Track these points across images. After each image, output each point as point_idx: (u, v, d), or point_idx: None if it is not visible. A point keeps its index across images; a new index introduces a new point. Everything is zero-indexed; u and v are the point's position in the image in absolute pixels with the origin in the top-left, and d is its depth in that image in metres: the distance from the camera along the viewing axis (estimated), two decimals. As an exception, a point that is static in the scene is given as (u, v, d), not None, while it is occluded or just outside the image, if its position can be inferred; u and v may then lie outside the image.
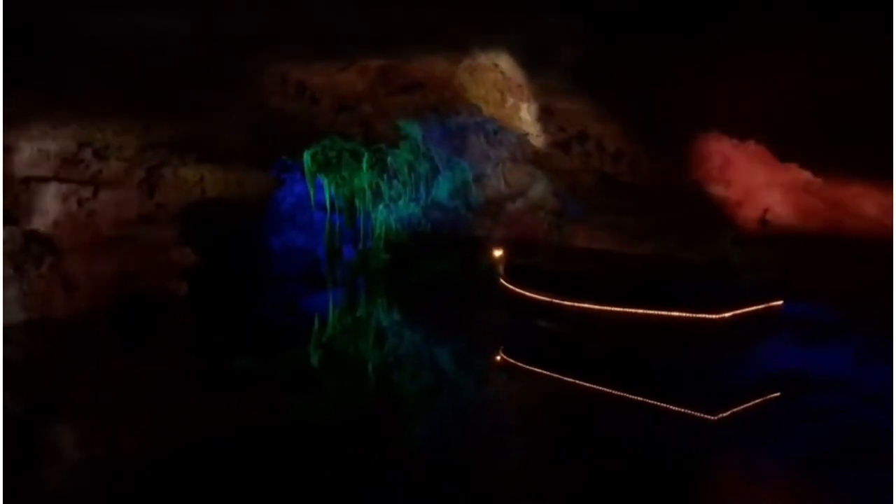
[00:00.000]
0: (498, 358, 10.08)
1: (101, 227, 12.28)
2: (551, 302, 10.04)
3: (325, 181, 17.40)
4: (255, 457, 6.43)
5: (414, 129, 15.20)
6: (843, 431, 6.77)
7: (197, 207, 13.70)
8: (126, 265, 12.53)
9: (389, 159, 16.72)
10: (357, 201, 17.61)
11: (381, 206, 17.15)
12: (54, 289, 11.58)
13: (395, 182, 17.09)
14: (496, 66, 11.98)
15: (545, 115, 12.53)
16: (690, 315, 8.49)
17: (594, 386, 8.37)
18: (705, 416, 7.33)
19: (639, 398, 7.82)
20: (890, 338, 8.25)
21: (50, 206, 11.62)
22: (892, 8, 7.92)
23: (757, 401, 7.70)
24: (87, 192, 12.03)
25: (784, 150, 9.98)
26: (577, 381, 8.59)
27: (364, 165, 16.93)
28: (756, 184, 10.73)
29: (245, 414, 7.69)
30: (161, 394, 8.69)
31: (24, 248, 11.28)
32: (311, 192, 17.52)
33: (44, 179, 11.54)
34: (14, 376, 9.35)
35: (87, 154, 11.84)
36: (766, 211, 10.85)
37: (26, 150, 11.21)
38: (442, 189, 16.42)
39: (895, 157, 9.02)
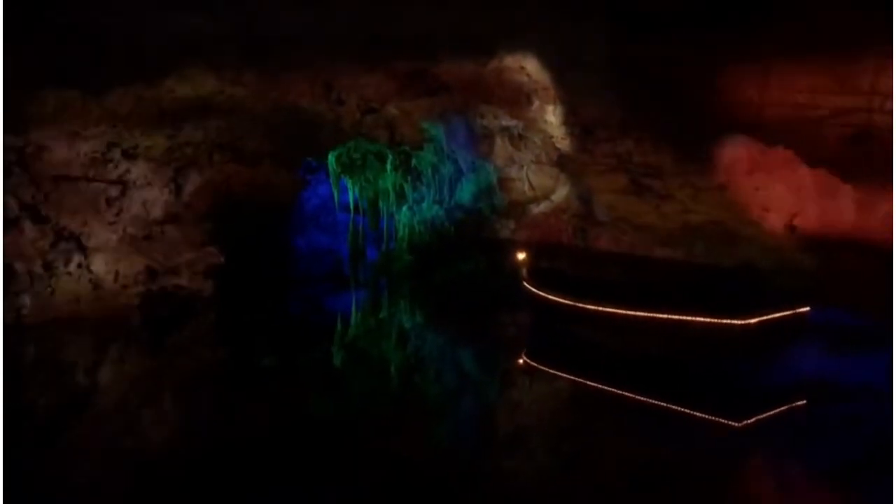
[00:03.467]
0: (520, 361, 10.05)
1: (129, 227, 12.40)
2: (575, 305, 9.99)
3: (349, 182, 17.45)
4: (279, 455, 6.46)
5: (439, 132, 15.20)
6: (870, 440, 6.67)
7: (223, 207, 13.80)
8: (153, 264, 12.65)
9: (414, 161, 16.73)
10: (381, 203, 17.63)
11: (404, 208, 17.16)
12: (82, 287, 11.73)
13: (419, 184, 17.10)
14: (522, 68, 11.96)
15: (571, 118, 12.49)
16: (716, 321, 8.41)
17: (617, 390, 8.32)
18: (730, 422, 7.25)
19: (663, 404, 7.76)
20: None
21: (79, 205, 11.76)
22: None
23: (783, 408, 7.61)
24: (115, 192, 12.15)
25: (813, 154, 9.87)
26: (600, 386, 8.54)
27: (388, 167, 16.95)
28: (784, 189, 10.61)
29: (269, 412, 7.73)
30: (186, 392, 8.76)
31: (53, 247, 11.43)
32: (336, 194, 17.59)
33: (73, 179, 11.68)
34: (42, 375, 9.49)
35: (116, 154, 11.97)
36: (794, 216, 10.72)
37: (57, 150, 11.36)
38: (466, 191, 16.40)
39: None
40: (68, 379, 9.32)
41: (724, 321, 8.34)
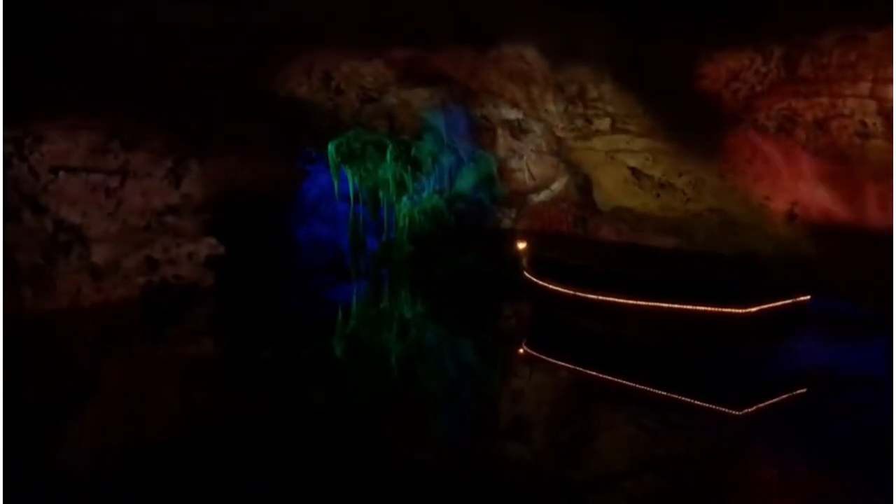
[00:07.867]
0: (521, 350, 10.06)
1: (129, 218, 12.40)
2: (575, 295, 9.98)
3: (349, 172, 17.42)
4: (279, 447, 6.47)
5: (439, 121, 15.17)
6: (870, 430, 6.67)
7: (223, 198, 13.78)
8: (153, 255, 12.65)
9: (414, 151, 16.70)
10: (381, 193, 17.60)
11: (404, 198, 17.14)
12: (82, 278, 11.73)
13: (419, 174, 17.07)
14: (522, 57, 11.92)
15: (571, 107, 12.46)
16: (716, 309, 8.40)
17: (618, 380, 8.32)
18: (731, 411, 7.26)
19: (663, 393, 7.77)
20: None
21: (78, 195, 11.75)
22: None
23: (783, 397, 7.62)
24: (114, 183, 12.15)
25: (813, 144, 9.85)
26: (601, 375, 8.55)
27: (388, 157, 16.92)
28: (785, 177, 10.59)
29: (269, 404, 7.74)
30: (186, 383, 8.77)
31: (53, 238, 11.42)
32: (336, 184, 17.56)
33: (73, 169, 11.67)
34: (42, 366, 9.50)
35: (116, 145, 11.96)
36: (794, 205, 10.70)
37: (56, 141, 11.35)
38: (466, 181, 16.39)
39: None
40: (69, 370, 9.33)
41: (725, 310, 8.33)
